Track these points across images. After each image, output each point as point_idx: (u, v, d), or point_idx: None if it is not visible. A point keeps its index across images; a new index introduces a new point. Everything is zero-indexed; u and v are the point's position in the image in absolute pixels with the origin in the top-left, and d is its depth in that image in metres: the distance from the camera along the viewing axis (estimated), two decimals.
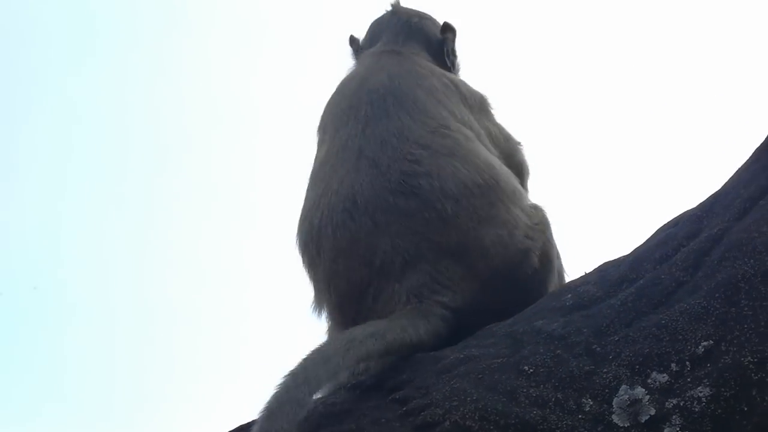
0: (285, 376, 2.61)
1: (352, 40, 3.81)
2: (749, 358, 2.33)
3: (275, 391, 2.57)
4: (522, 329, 2.67)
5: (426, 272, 2.90)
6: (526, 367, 2.54)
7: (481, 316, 2.85)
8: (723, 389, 2.32)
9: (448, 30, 3.71)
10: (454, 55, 3.68)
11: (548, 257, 3.07)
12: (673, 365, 2.40)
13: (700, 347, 2.40)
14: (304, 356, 2.68)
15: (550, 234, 3.14)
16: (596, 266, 2.83)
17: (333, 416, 2.71)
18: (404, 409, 2.62)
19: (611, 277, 2.70)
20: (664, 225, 2.77)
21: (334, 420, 2.70)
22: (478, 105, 3.37)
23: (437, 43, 3.67)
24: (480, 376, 2.58)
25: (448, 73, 3.48)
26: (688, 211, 2.77)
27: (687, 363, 2.39)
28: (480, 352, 2.66)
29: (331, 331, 3.17)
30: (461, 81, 3.49)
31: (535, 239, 3.05)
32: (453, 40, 3.69)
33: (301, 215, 3.20)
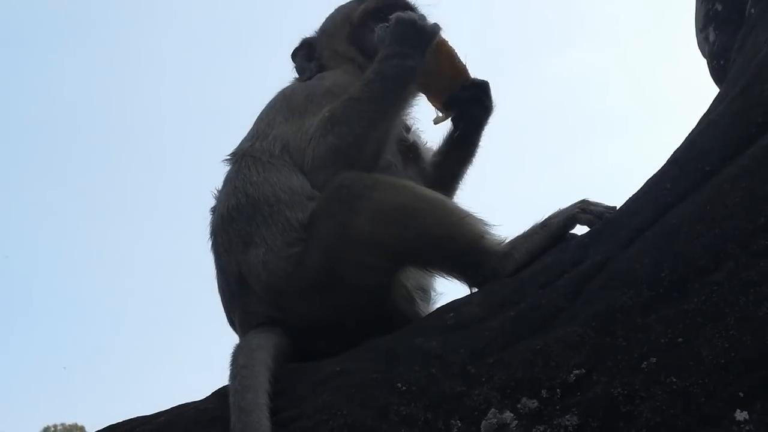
0: None
1: None
2: (619, 389, 2.30)
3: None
4: (401, 345, 2.64)
5: (243, 296, 3.03)
6: (399, 384, 2.49)
7: (319, 333, 2.88)
8: (590, 419, 2.29)
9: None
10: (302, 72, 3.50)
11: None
12: (543, 391, 2.37)
13: (571, 375, 2.36)
14: None
15: None
16: (483, 286, 2.79)
17: (202, 423, 2.66)
18: (275, 418, 2.57)
19: (495, 298, 2.67)
20: (553, 249, 2.75)
21: (203, 426, 2.65)
22: (299, 109, 3.22)
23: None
24: (353, 390, 2.54)
25: (292, 84, 3.45)
26: (577, 236, 2.75)
27: (557, 390, 2.35)
28: (356, 366, 2.63)
29: None
30: (298, 86, 3.39)
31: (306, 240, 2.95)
32: (297, 62, 3.53)
33: None
